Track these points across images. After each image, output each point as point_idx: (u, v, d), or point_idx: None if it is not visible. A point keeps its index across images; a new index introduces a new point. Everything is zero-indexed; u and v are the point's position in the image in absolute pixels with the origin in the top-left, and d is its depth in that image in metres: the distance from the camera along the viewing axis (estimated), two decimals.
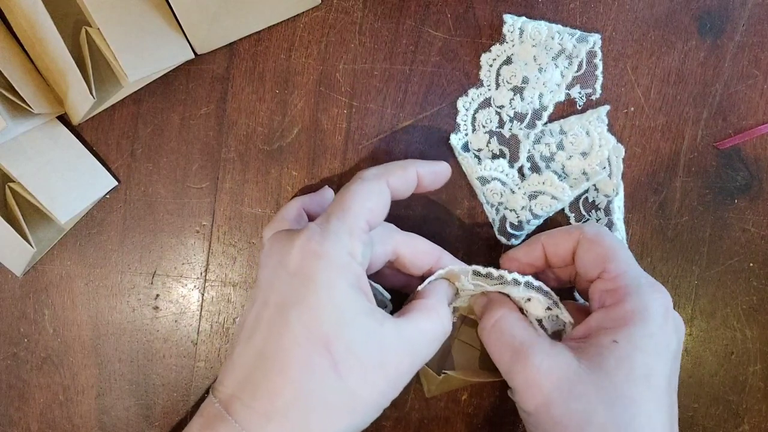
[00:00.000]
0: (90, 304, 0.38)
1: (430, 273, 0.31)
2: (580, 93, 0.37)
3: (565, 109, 0.37)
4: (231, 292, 0.38)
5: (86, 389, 0.39)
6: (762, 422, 0.38)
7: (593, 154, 0.36)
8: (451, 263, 0.32)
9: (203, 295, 0.38)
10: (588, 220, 0.37)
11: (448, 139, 0.37)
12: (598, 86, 0.37)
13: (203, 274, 0.38)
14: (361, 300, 0.26)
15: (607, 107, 0.36)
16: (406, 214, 0.37)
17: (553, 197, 0.35)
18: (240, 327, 0.28)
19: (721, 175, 0.37)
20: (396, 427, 0.38)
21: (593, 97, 0.37)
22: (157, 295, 0.38)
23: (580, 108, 0.37)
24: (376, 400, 0.26)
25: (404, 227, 0.38)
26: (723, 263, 0.37)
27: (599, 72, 0.36)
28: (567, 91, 0.36)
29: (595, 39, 0.35)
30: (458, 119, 0.37)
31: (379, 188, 0.29)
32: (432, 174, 0.31)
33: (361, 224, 0.27)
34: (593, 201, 0.37)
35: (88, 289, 0.38)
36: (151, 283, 0.38)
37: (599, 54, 0.36)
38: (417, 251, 0.32)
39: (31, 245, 0.36)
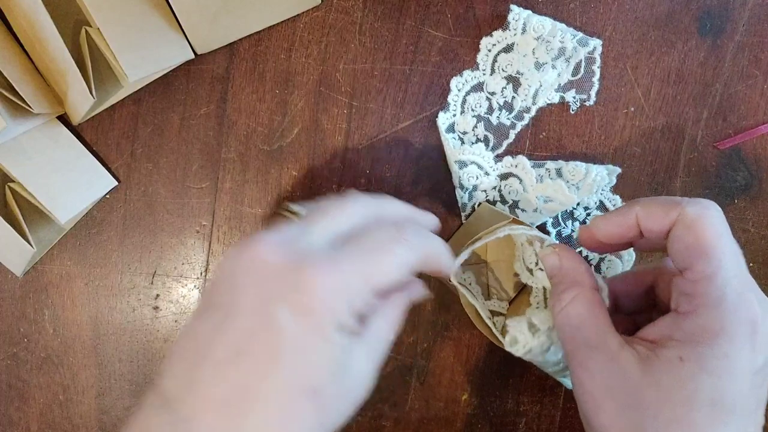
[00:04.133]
0: (90, 304, 0.38)
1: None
2: (575, 98, 0.37)
3: (558, 112, 0.37)
4: None
5: (86, 389, 0.38)
6: None
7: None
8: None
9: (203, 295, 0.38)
10: (563, 228, 0.37)
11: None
12: (593, 93, 0.37)
13: (203, 274, 0.38)
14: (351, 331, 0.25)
15: (617, 170, 0.36)
16: None
17: (560, 203, 0.35)
18: (218, 329, 0.24)
19: (721, 175, 0.37)
20: (396, 427, 0.38)
21: (587, 104, 0.37)
22: (157, 295, 0.38)
23: (573, 112, 0.37)
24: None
25: None
26: None
27: (596, 79, 0.36)
28: (562, 93, 0.37)
29: (596, 44, 0.35)
30: (449, 98, 0.37)
31: (415, 261, 0.27)
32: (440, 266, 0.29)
33: (369, 295, 0.26)
34: (586, 256, 0.37)
35: (88, 289, 0.38)
36: (151, 283, 0.38)
37: (598, 61, 0.36)
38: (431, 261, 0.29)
39: (31, 245, 0.36)
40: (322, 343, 0.24)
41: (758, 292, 0.25)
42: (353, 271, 0.24)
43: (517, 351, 0.30)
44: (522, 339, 0.30)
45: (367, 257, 0.25)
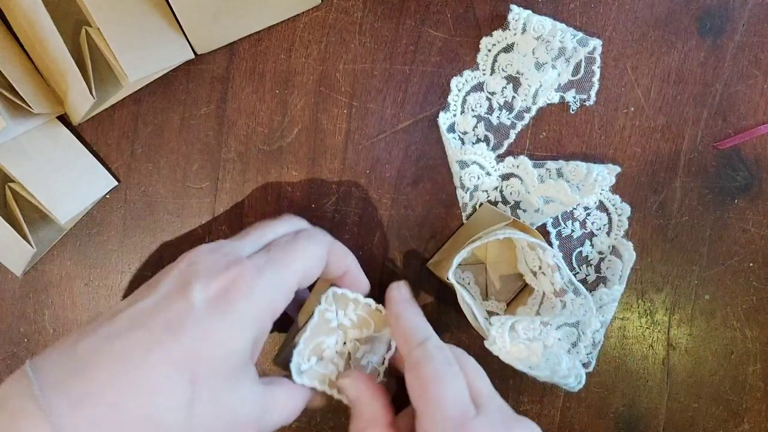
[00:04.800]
0: (90, 304, 0.38)
1: (344, 277, 0.32)
2: (575, 98, 0.37)
3: (558, 112, 0.37)
4: None
5: None
6: (762, 422, 0.38)
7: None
8: (356, 271, 0.32)
9: None
10: (578, 273, 0.37)
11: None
12: (593, 93, 0.37)
13: None
14: (251, 356, 0.26)
15: (617, 169, 0.37)
16: (406, 213, 0.37)
17: (561, 203, 0.35)
18: (125, 306, 0.25)
19: (721, 175, 0.37)
20: None
21: (587, 104, 0.37)
22: None
23: (573, 112, 0.37)
24: None
25: (405, 227, 0.38)
26: (723, 263, 0.37)
27: (596, 79, 0.36)
28: (562, 93, 0.37)
29: (596, 44, 0.35)
30: (449, 98, 0.37)
31: (322, 255, 0.29)
32: (353, 281, 0.32)
33: (294, 285, 0.28)
34: (586, 256, 0.37)
35: (88, 289, 0.38)
36: None
37: (598, 61, 0.36)
38: (334, 263, 0.31)
39: (31, 245, 0.36)
40: (228, 328, 0.25)
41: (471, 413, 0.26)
42: (272, 269, 0.27)
43: (498, 353, 0.31)
44: (500, 342, 0.30)
45: (281, 252, 0.28)
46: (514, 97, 0.37)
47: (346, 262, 0.31)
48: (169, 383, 0.23)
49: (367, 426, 0.27)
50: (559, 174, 0.37)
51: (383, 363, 0.32)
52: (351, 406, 0.29)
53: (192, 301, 0.25)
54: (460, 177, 0.36)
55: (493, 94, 0.37)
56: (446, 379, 0.26)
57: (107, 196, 0.38)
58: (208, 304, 0.25)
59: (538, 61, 0.36)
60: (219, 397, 0.24)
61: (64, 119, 0.37)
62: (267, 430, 0.27)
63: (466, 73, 0.37)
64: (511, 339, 0.31)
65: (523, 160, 0.36)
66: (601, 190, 0.37)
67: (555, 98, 0.37)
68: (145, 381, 0.23)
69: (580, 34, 0.35)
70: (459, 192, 0.37)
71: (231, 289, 0.25)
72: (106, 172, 0.37)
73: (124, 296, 0.38)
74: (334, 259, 0.31)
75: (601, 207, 0.37)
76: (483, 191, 0.37)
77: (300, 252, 0.29)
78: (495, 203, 0.37)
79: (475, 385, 0.27)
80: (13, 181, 0.35)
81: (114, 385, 0.23)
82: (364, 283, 0.33)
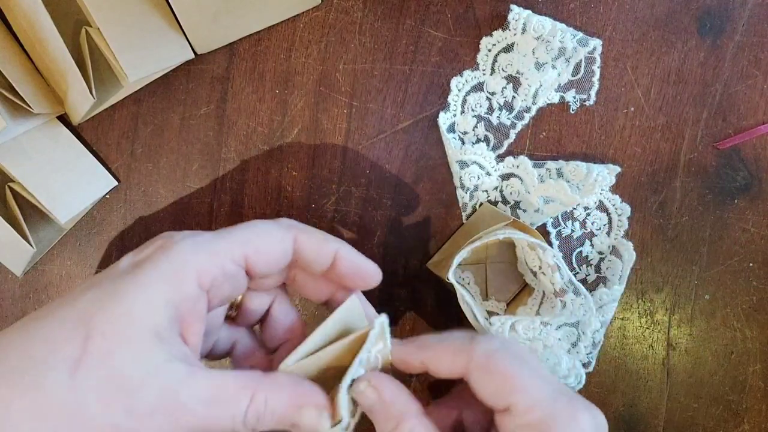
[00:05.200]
0: None
1: (331, 269, 0.28)
2: (575, 98, 0.37)
3: (558, 112, 0.37)
4: None
5: None
6: (762, 422, 0.38)
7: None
8: (349, 254, 0.28)
9: None
10: (578, 273, 0.37)
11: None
12: (593, 93, 0.37)
13: None
14: (169, 326, 0.22)
15: (617, 169, 0.36)
16: (406, 213, 0.37)
17: (561, 203, 0.35)
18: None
19: (721, 175, 0.37)
20: None
21: (587, 104, 0.37)
22: None
23: (573, 112, 0.37)
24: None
25: (405, 227, 0.38)
26: (723, 263, 0.37)
27: (596, 79, 0.36)
28: (562, 93, 0.37)
29: (596, 44, 0.35)
30: (449, 98, 0.37)
31: (282, 235, 0.26)
32: (353, 266, 0.27)
33: (234, 254, 0.24)
34: (586, 256, 0.37)
35: None
36: None
37: (598, 61, 0.36)
38: (312, 246, 0.27)
39: (31, 245, 0.35)
40: (134, 288, 0.22)
41: (570, 393, 0.24)
42: (204, 236, 0.24)
43: None
44: None
45: (226, 228, 0.25)
46: (514, 97, 0.37)
47: (329, 246, 0.27)
48: (62, 335, 0.21)
49: (399, 421, 0.25)
50: (559, 174, 0.37)
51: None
52: (372, 411, 0.25)
53: (118, 266, 0.24)
54: (460, 177, 0.36)
55: (493, 94, 0.37)
56: (526, 366, 0.24)
57: (107, 196, 0.38)
58: (129, 266, 0.23)
59: (538, 61, 0.36)
60: (111, 357, 0.21)
61: (64, 119, 0.37)
62: (180, 417, 0.22)
63: (466, 73, 0.37)
64: (512, 339, 0.31)
65: (523, 160, 0.36)
66: (601, 190, 0.37)
67: (555, 98, 0.37)
68: (42, 332, 0.21)
69: (580, 34, 0.35)
70: (459, 192, 0.37)
71: (154, 252, 0.24)
72: (106, 172, 0.37)
73: None
74: (310, 244, 0.27)
75: (601, 207, 0.37)
76: (483, 191, 0.37)
77: (248, 226, 0.25)
78: (495, 203, 0.37)
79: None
80: (13, 181, 0.35)
81: (16, 336, 0.21)
82: (369, 266, 0.28)
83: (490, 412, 0.25)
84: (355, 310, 0.27)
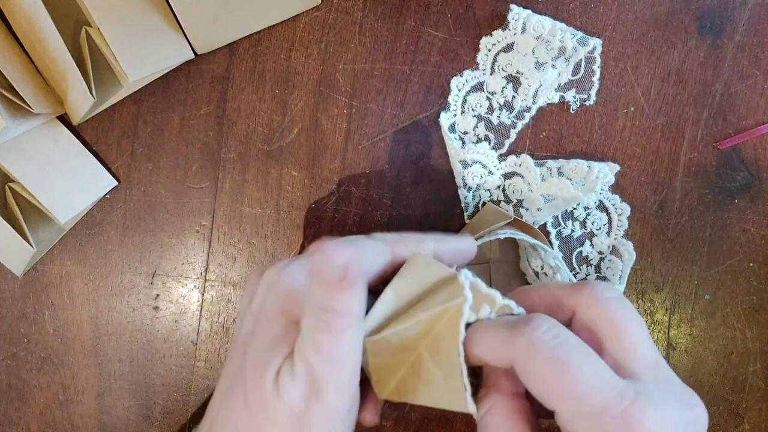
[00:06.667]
0: (90, 304, 0.38)
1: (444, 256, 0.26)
2: (575, 97, 0.37)
3: (558, 112, 0.37)
4: (231, 292, 0.38)
5: (86, 389, 0.38)
6: (762, 422, 0.38)
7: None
8: (446, 247, 0.26)
9: (203, 295, 0.38)
10: (578, 273, 0.37)
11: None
12: (593, 93, 0.37)
13: (203, 274, 0.38)
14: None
15: (617, 167, 0.37)
16: (406, 213, 0.37)
17: (564, 200, 0.35)
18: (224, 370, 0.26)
19: (721, 175, 0.37)
20: (396, 427, 0.38)
21: (587, 103, 0.37)
22: (157, 295, 0.38)
23: (573, 112, 0.37)
24: None
25: (405, 227, 0.38)
26: (723, 263, 0.37)
27: (596, 79, 0.36)
28: (562, 93, 0.37)
29: (595, 43, 0.35)
30: (450, 98, 0.37)
31: (381, 248, 0.25)
32: (454, 252, 0.26)
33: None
34: (586, 256, 0.37)
35: (88, 289, 0.38)
36: (151, 283, 0.38)
37: (598, 60, 0.36)
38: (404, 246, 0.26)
39: (31, 245, 0.36)
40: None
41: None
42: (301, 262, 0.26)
43: None
44: None
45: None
46: (514, 96, 0.37)
47: (427, 249, 0.26)
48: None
49: (489, 391, 0.23)
50: (560, 172, 0.37)
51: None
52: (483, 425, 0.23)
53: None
54: (463, 176, 0.36)
55: (493, 93, 0.37)
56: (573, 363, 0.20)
57: (107, 196, 0.38)
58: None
59: (538, 60, 0.36)
60: None
61: (64, 119, 0.37)
62: None
63: (466, 72, 0.37)
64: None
65: (525, 158, 0.36)
66: (602, 188, 0.37)
67: (555, 98, 0.37)
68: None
69: (580, 34, 0.35)
70: (461, 191, 0.37)
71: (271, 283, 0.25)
72: (106, 172, 0.37)
73: (122, 295, 0.38)
74: (403, 247, 0.25)
75: (601, 207, 0.37)
76: (486, 190, 0.37)
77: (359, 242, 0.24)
78: (498, 202, 0.37)
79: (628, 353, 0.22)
80: (13, 181, 0.35)
81: None
82: (466, 244, 0.26)
83: None
84: (425, 264, 0.24)
